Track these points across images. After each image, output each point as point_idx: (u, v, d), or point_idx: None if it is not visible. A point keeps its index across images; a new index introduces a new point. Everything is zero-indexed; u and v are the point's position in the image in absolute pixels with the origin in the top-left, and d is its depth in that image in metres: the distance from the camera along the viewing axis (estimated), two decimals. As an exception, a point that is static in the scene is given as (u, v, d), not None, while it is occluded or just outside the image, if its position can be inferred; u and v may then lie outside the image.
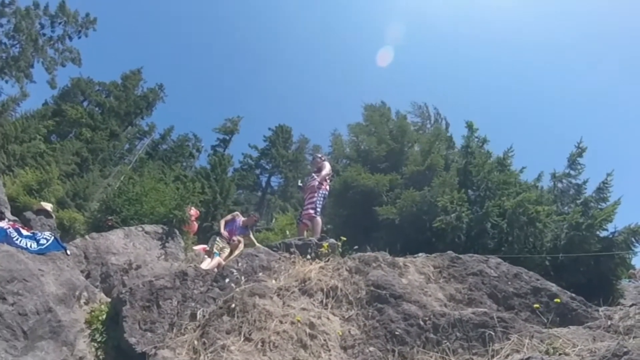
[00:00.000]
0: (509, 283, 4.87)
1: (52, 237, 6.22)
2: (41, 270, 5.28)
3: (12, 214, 9.15)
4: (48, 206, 14.98)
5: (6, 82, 36.48)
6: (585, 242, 10.61)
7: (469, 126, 15.81)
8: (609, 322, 3.69)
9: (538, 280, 4.98)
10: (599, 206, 11.82)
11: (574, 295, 4.78)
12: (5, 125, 28.53)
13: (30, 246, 5.68)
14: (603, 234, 10.95)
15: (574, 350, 3.02)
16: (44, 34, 39.57)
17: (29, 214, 13.78)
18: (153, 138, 48.26)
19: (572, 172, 13.44)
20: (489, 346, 3.38)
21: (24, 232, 6.01)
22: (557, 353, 3.01)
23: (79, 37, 41.77)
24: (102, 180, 33.85)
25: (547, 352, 3.06)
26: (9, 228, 5.81)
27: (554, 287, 4.84)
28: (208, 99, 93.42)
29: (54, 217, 15.07)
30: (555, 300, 4.45)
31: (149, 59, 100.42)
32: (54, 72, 40.08)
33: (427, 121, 20.35)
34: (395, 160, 16.50)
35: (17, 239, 5.62)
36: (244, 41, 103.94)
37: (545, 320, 4.17)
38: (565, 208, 13.01)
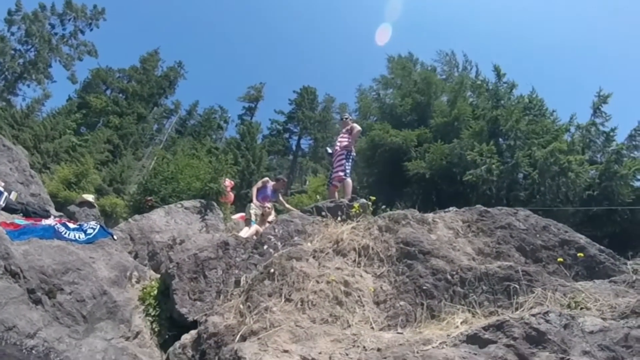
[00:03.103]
0: (538, 236, 4.87)
1: (98, 226, 6.50)
2: (92, 257, 5.63)
3: (55, 209, 9.65)
4: (90, 197, 15.69)
5: (28, 86, 37.85)
6: (619, 192, 10.44)
7: (497, 70, 15.41)
8: (634, 277, 3.65)
9: (567, 232, 4.94)
10: (632, 154, 11.54)
11: (602, 247, 4.74)
12: (34, 127, 29.40)
13: (79, 237, 5.96)
14: (637, 184, 10.78)
15: (595, 305, 3.06)
16: (56, 33, 40.44)
17: (72, 208, 14.49)
18: (180, 115, 48.99)
19: (598, 121, 13.06)
20: (514, 299, 3.45)
21: (71, 225, 6.28)
22: (579, 307, 3.07)
23: (91, 30, 42.60)
24: (136, 163, 34.87)
25: (568, 306, 3.12)
26: (56, 224, 6.06)
27: (582, 240, 4.81)
28: (228, 69, 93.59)
29: (96, 206, 15.77)
30: (579, 254, 4.43)
31: (164, 38, 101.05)
32: (73, 68, 41.24)
33: (455, 69, 19.85)
34: (422, 112, 16.30)
35: (65, 233, 5.88)
36: (255, 7, 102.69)
37: (573, 274, 4.21)
38: (598, 155, 12.72)
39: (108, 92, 43.67)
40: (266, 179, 9.89)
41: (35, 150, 27.44)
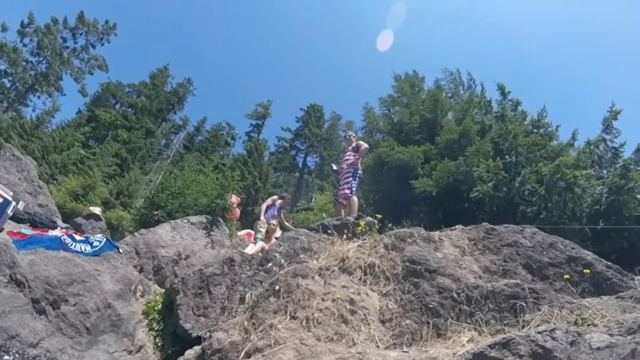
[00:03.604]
0: (544, 253, 4.84)
1: (104, 239, 6.51)
2: (97, 270, 5.65)
3: (62, 220, 9.71)
4: (97, 210, 15.78)
5: (38, 97, 38.39)
6: (626, 206, 10.35)
7: (501, 89, 15.47)
8: (642, 293, 3.62)
9: (574, 249, 4.91)
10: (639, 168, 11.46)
11: (609, 264, 4.70)
12: (43, 138, 29.59)
13: (85, 249, 5.98)
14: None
15: (602, 322, 3.03)
16: (68, 47, 40.97)
17: (79, 220, 14.57)
18: (188, 131, 49.22)
19: (607, 137, 13.01)
20: (520, 317, 3.42)
21: (77, 237, 6.31)
22: (585, 324, 3.04)
23: (102, 44, 43.20)
24: (143, 177, 35.02)
25: (575, 323, 3.08)
26: (63, 235, 6.09)
27: (589, 256, 4.77)
28: (236, 86, 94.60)
29: (103, 219, 15.84)
30: (585, 271, 4.42)
31: (174, 55, 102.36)
32: (83, 81, 41.71)
33: (460, 87, 19.91)
34: (429, 130, 16.29)
35: (71, 245, 5.91)
36: (264, 25, 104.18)
37: (580, 290, 4.17)
38: (604, 172, 12.64)
39: (117, 106, 44.06)
40: (275, 196, 10.00)
41: (44, 161, 27.55)
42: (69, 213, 16.64)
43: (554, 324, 2.99)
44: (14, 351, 4.13)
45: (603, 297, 3.77)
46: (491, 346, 2.50)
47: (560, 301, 3.55)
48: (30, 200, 8.51)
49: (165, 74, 47.36)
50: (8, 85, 36.37)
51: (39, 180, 9.86)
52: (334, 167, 9.64)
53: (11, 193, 6.38)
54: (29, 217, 6.79)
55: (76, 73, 40.68)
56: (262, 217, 9.15)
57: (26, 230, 6.07)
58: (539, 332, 2.52)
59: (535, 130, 13.43)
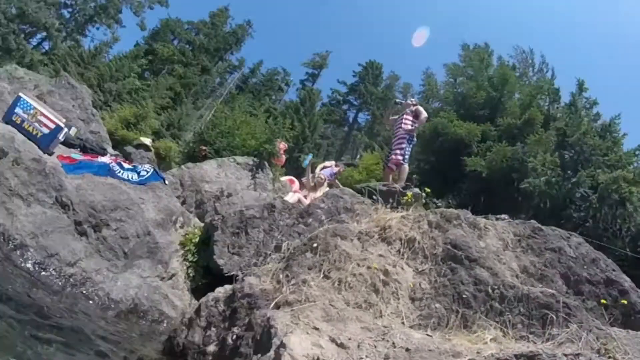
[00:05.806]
0: (585, 267, 4.65)
1: (152, 169, 6.69)
2: (142, 198, 5.88)
3: (112, 147, 10.06)
4: (147, 141, 16.33)
5: (97, 29, 38.66)
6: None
7: (580, 84, 14.60)
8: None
9: (614, 271, 4.70)
10: None
11: (645, 296, 4.50)
12: (100, 67, 30.31)
13: (132, 178, 6.16)
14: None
15: (623, 358, 2.94)
16: (129, -21, 40.61)
17: (129, 148, 15.09)
18: (243, 72, 49.21)
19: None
20: (548, 329, 3.33)
21: (126, 165, 6.48)
22: (607, 355, 2.94)
23: (163, -20, 42.58)
24: (195, 111, 35.66)
25: (598, 352, 2.98)
26: (112, 162, 6.30)
27: (627, 283, 4.56)
28: (296, 34, 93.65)
29: (152, 150, 16.36)
30: (622, 301, 4.26)
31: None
32: (143, 15, 41.48)
33: (530, 69, 18.98)
34: (492, 109, 15.72)
35: (119, 172, 6.10)
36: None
37: (610, 316, 4.03)
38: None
39: (175, 42, 44.37)
40: (333, 162, 10.36)
41: (99, 89, 28.34)
42: (119, 140, 17.14)
43: (579, 347, 2.93)
44: (51, 269, 4.44)
45: (630, 331, 3.62)
46: (517, 356, 2.45)
47: (589, 324, 3.43)
48: (83, 127, 8.81)
49: (225, 14, 47.25)
50: (67, 16, 36.91)
51: (92, 108, 10.15)
52: (397, 101, 9.87)
53: (64, 120, 6.60)
54: (80, 143, 7.05)
55: (136, 7, 40.64)
56: (317, 171, 9.24)
57: (76, 155, 6.33)
58: (565, 354, 2.45)
59: (603, 135, 12.67)
